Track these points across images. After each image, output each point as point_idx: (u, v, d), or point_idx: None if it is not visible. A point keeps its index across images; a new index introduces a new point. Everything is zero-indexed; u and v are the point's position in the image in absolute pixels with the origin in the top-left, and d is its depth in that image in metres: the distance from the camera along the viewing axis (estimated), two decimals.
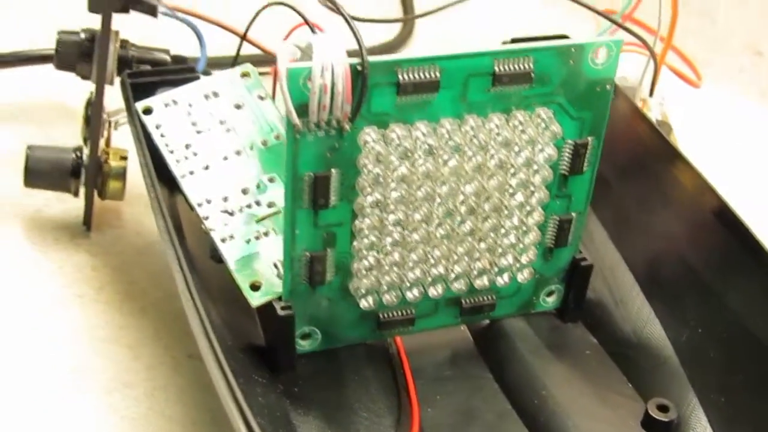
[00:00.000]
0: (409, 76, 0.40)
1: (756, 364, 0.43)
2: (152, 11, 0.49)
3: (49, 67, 0.55)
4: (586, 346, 0.48)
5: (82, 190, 0.52)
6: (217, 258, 0.45)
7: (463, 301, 0.46)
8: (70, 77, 0.54)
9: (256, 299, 0.43)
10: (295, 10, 0.46)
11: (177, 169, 0.45)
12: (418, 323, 0.46)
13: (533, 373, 0.46)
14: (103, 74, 0.47)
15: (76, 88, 0.54)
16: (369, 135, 0.40)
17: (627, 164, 0.51)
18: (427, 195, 0.42)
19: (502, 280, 0.45)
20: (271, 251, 0.44)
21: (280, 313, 0.43)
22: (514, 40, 0.49)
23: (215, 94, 0.47)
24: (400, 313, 0.45)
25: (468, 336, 0.49)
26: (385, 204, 0.41)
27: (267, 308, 0.44)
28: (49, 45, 0.54)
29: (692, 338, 0.46)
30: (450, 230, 0.43)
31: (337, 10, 0.39)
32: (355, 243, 0.43)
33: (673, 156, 0.49)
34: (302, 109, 0.39)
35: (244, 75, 0.48)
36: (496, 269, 0.45)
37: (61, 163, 0.51)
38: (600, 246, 0.50)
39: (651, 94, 0.55)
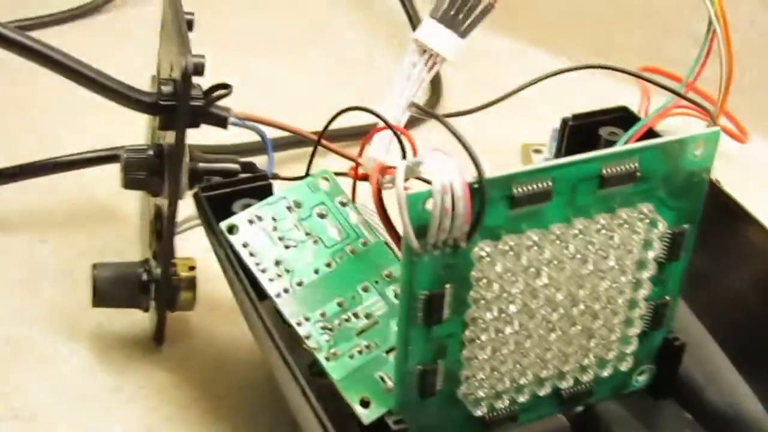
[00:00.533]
0: (522, 189, 0.39)
1: None
2: (223, 123, 0.48)
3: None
4: (683, 423, 0.48)
5: (152, 305, 0.51)
6: (316, 372, 0.44)
7: (563, 392, 0.45)
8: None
9: (367, 416, 0.43)
10: (377, 115, 0.45)
11: (271, 288, 0.45)
12: (520, 417, 0.45)
13: None
14: (176, 192, 0.46)
15: (123, 193, 0.52)
16: (483, 250, 0.40)
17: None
18: (545, 302, 0.41)
19: (606, 372, 0.45)
20: (374, 364, 0.44)
21: (394, 427, 0.42)
22: (575, 117, 0.50)
23: (298, 205, 0.46)
24: (505, 412, 0.44)
25: (564, 422, 0.48)
26: (500, 314, 0.41)
27: (378, 423, 0.43)
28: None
29: None
30: (562, 333, 0.43)
31: (455, 134, 0.38)
32: (464, 352, 0.42)
33: (740, 214, 0.49)
34: (420, 231, 0.38)
35: (324, 179, 0.47)
36: (591, 360, 0.45)
37: (130, 280, 0.50)
38: (683, 320, 0.50)
39: None
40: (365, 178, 0.47)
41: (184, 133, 0.46)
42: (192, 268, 0.51)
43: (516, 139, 0.71)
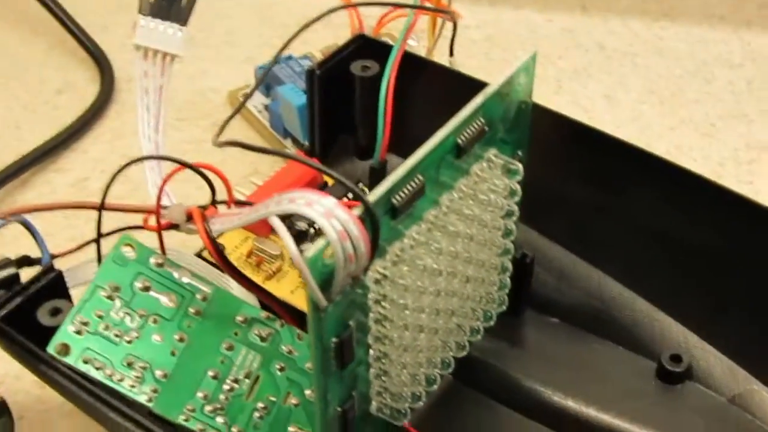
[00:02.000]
0: (401, 196, 0.36)
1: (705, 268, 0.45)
2: None
3: None
4: (548, 327, 0.48)
5: None
6: None
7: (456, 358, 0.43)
8: None
9: None
10: (179, 162, 0.39)
11: (139, 396, 0.38)
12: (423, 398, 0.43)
13: (528, 374, 0.46)
14: None
15: None
16: (377, 272, 0.36)
17: None
18: (444, 292, 0.39)
19: (486, 324, 0.44)
20: (280, 422, 0.40)
21: None
22: (320, 65, 0.46)
23: (115, 288, 0.40)
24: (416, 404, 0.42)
25: (451, 379, 0.47)
26: (402, 322, 0.38)
27: None
28: None
29: (644, 273, 0.47)
30: (461, 310, 0.40)
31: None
32: (372, 371, 0.39)
33: None
34: (324, 286, 0.34)
35: (127, 246, 0.41)
36: (481, 319, 0.43)
37: None
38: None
39: (451, 54, 0.54)
40: (171, 226, 0.41)
41: None
42: None
43: (222, 88, 0.66)
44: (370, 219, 0.34)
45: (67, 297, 0.42)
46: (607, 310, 0.47)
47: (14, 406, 0.45)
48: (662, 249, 0.46)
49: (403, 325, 0.37)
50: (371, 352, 0.38)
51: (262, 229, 0.48)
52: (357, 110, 0.51)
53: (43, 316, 0.40)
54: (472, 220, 0.39)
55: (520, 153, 0.42)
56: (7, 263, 0.42)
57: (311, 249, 0.32)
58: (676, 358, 0.45)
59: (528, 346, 0.47)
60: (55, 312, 0.40)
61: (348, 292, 0.35)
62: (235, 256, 0.48)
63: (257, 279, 0.47)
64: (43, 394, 0.46)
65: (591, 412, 0.44)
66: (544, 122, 0.45)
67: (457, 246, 0.38)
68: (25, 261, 0.42)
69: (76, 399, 0.39)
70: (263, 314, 0.41)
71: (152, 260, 0.41)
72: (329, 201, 0.33)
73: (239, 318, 0.41)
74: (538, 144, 0.45)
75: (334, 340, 0.36)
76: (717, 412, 0.44)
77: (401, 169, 0.36)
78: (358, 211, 0.33)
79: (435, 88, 0.50)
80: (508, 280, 0.44)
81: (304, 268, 0.32)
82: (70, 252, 0.43)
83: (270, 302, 0.42)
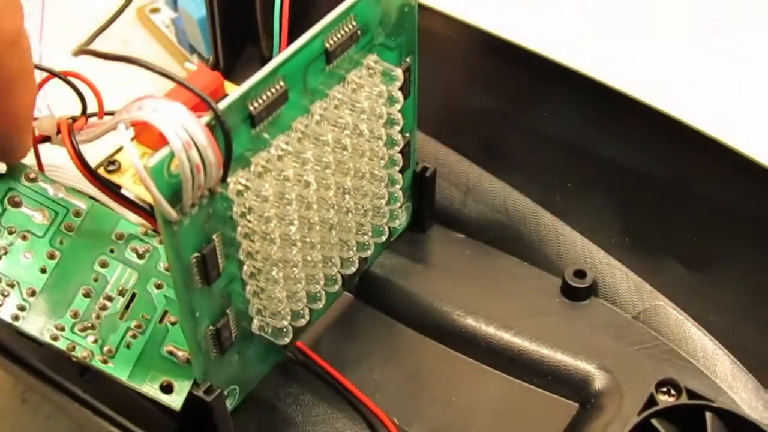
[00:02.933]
0: (259, 103, 0.34)
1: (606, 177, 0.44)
2: None
3: None
4: (461, 245, 0.47)
5: None
6: (91, 378, 0.39)
7: (347, 276, 0.42)
8: None
9: (176, 401, 0.37)
10: (46, 70, 0.38)
11: (4, 314, 0.37)
12: (313, 317, 0.42)
13: (428, 292, 0.45)
14: None
15: None
16: (239, 183, 0.35)
17: None
18: (317, 205, 0.37)
19: (384, 237, 0.42)
20: (155, 342, 0.38)
21: (208, 399, 0.37)
22: None
23: None
24: (302, 323, 0.41)
25: (351, 297, 0.45)
26: (267, 235, 0.36)
27: (188, 400, 0.38)
28: None
29: (555, 187, 0.45)
30: (341, 225, 0.39)
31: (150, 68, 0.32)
32: (248, 288, 0.38)
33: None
34: (174, 199, 0.32)
35: None
36: (369, 234, 0.41)
37: None
38: (421, 146, 0.47)
39: None
40: (44, 139, 0.39)
41: None
42: None
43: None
44: (220, 126, 0.32)
45: None
46: (512, 224, 0.46)
47: None
48: (569, 162, 0.44)
49: (270, 240, 0.36)
50: (244, 268, 0.37)
51: (158, 143, 0.47)
52: (258, 18, 0.49)
53: None
54: (346, 129, 0.37)
55: (408, 60, 0.40)
56: None
57: (153, 158, 0.31)
58: (581, 274, 0.44)
59: (432, 262, 0.46)
60: None
61: (206, 205, 0.34)
62: (130, 173, 0.46)
63: None
64: None
65: (491, 329, 0.43)
66: (441, 28, 0.44)
67: (329, 156, 0.37)
68: None
69: None
70: (141, 230, 0.39)
71: (24, 174, 0.39)
72: (176, 107, 0.31)
73: (116, 234, 0.39)
74: (441, 52, 0.43)
75: (195, 255, 0.34)
76: (621, 329, 0.43)
77: (258, 74, 0.34)
78: (206, 118, 0.32)
79: None
80: (400, 193, 0.42)
81: (146, 178, 0.31)
82: None
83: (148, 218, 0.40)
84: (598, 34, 0.60)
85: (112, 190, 0.38)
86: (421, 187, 0.44)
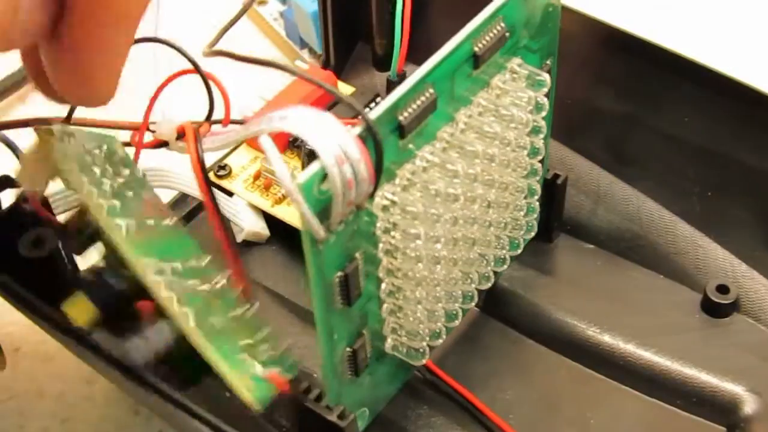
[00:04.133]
0: (409, 113, 0.32)
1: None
2: None
3: None
4: (591, 256, 0.44)
5: None
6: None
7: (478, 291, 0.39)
8: None
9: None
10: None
11: None
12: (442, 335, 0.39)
13: (560, 306, 0.42)
14: None
15: None
16: (385, 198, 0.32)
17: None
18: (462, 219, 0.35)
19: (513, 252, 0.40)
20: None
21: (343, 424, 0.35)
22: None
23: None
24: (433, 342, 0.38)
25: (478, 312, 0.43)
26: (412, 252, 0.34)
27: (323, 424, 0.36)
28: None
29: (687, 195, 0.43)
30: (482, 238, 0.37)
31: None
32: (384, 307, 0.35)
33: None
34: (322, 216, 0.30)
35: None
36: (507, 247, 0.39)
37: None
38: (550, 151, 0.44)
39: None
40: (160, 144, 0.37)
41: None
42: None
43: None
44: (372, 139, 0.30)
45: (53, 223, 0.39)
46: (646, 235, 0.43)
47: (7, 338, 0.42)
48: (708, 168, 0.42)
49: (416, 257, 0.33)
50: (383, 286, 0.35)
51: (280, 147, 0.44)
52: (373, 15, 0.46)
53: (24, 247, 0.37)
54: (494, 138, 0.35)
55: (548, 62, 0.38)
56: None
57: (304, 174, 0.29)
58: (723, 289, 0.41)
59: (560, 274, 0.43)
60: (38, 243, 0.37)
61: (351, 221, 0.31)
62: (242, 178, 0.44)
63: (266, 203, 0.44)
64: None
65: (629, 348, 0.40)
66: (574, 27, 0.41)
67: (477, 167, 0.34)
68: (6, 182, 0.39)
69: (64, 342, 0.36)
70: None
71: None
72: (326, 119, 0.29)
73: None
74: (568, 52, 0.40)
75: (338, 274, 0.32)
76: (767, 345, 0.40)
77: (408, 81, 0.31)
78: (358, 130, 0.29)
79: None
80: (537, 204, 0.39)
81: (296, 196, 0.29)
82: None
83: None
84: (736, 30, 0.57)
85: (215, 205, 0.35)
86: (551, 195, 0.42)
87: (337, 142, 0.29)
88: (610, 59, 0.43)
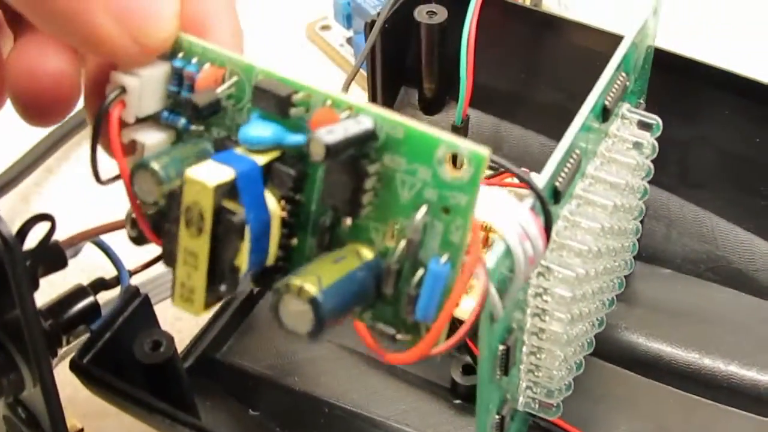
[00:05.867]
0: (563, 177, 0.31)
1: None
2: (63, 263, 0.34)
3: None
4: (670, 281, 0.45)
5: None
6: None
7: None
8: None
9: None
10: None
11: None
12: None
13: (654, 335, 0.43)
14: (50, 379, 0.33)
15: None
16: (539, 265, 0.32)
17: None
18: (593, 275, 0.35)
19: (617, 293, 0.40)
20: None
21: None
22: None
23: None
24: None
25: None
26: (565, 314, 0.34)
27: None
28: None
29: (760, 210, 0.43)
30: (599, 293, 0.37)
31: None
32: (523, 365, 0.35)
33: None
34: (500, 293, 0.29)
35: None
36: (617, 287, 0.39)
37: None
38: None
39: None
40: None
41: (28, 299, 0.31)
42: None
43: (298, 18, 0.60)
44: (543, 210, 0.29)
45: (153, 319, 0.37)
46: (724, 255, 0.44)
47: None
48: None
49: (565, 318, 0.33)
50: (524, 348, 0.34)
51: None
52: (422, 61, 0.46)
53: (142, 353, 0.35)
54: (616, 187, 0.35)
55: (642, 101, 0.38)
56: (81, 291, 0.36)
57: (491, 259, 0.28)
58: None
59: (644, 302, 0.44)
60: (156, 346, 0.35)
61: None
62: None
63: None
64: None
65: (732, 368, 0.41)
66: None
67: (606, 220, 0.34)
68: (101, 285, 0.37)
69: None
70: None
71: None
72: (503, 196, 0.28)
73: None
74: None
75: (501, 347, 0.32)
76: None
77: (561, 148, 0.31)
78: (530, 203, 0.29)
79: (510, 31, 0.45)
80: (636, 240, 0.40)
81: (490, 288, 0.28)
82: (148, 266, 0.37)
83: None
84: None
85: None
86: None
87: (518, 220, 0.28)
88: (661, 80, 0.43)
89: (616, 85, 0.33)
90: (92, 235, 0.35)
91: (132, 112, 0.28)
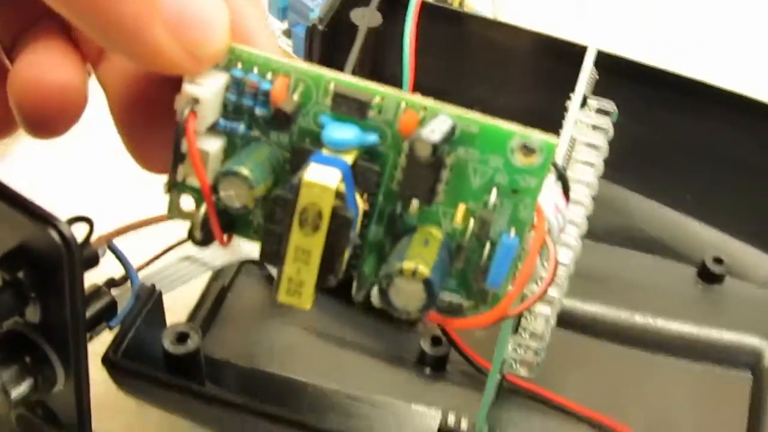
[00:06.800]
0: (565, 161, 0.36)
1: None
2: (95, 262, 0.36)
3: None
4: (589, 251, 0.49)
5: None
6: None
7: None
8: None
9: None
10: None
11: None
12: None
13: (588, 300, 0.47)
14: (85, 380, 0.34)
15: None
16: None
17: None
18: None
19: None
20: None
21: None
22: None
23: None
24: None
25: None
26: None
27: None
28: None
29: (667, 183, 0.50)
30: None
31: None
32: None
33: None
34: None
35: None
36: None
37: None
38: None
39: None
40: None
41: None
42: None
43: None
44: (564, 187, 0.33)
45: (163, 314, 0.40)
46: (638, 225, 0.49)
47: None
48: (686, 158, 0.48)
49: (562, 284, 0.38)
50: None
51: None
52: (357, 63, 0.49)
53: (171, 345, 0.37)
54: (591, 165, 0.39)
55: None
56: (100, 291, 0.38)
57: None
58: (717, 260, 0.48)
59: (576, 271, 0.48)
60: (183, 338, 0.37)
61: None
62: None
63: None
64: None
65: (660, 323, 0.46)
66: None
67: (586, 195, 0.39)
68: (111, 283, 0.39)
69: (234, 424, 0.37)
70: None
71: None
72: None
73: None
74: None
75: None
76: (761, 299, 0.48)
77: (566, 131, 0.35)
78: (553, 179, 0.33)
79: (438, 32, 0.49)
80: None
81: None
82: (153, 261, 0.40)
83: None
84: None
85: None
86: None
87: (552, 197, 0.32)
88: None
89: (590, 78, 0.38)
90: (119, 234, 0.37)
91: (203, 123, 0.30)
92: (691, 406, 0.45)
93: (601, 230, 0.50)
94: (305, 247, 0.29)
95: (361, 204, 0.30)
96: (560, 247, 0.37)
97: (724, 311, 0.47)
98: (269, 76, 0.31)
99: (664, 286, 0.48)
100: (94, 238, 0.36)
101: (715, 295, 0.48)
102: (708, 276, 0.48)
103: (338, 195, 0.28)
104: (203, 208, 0.31)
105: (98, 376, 0.36)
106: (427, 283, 0.28)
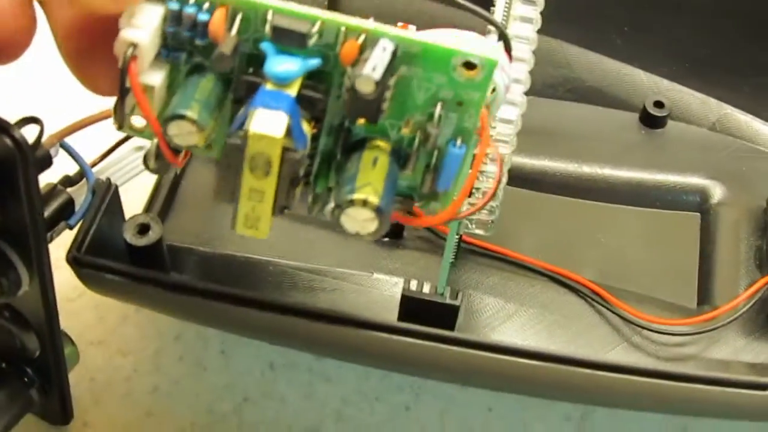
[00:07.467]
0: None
1: None
2: (49, 163, 0.36)
3: None
4: (532, 105, 0.50)
5: None
6: None
7: None
8: None
9: None
10: None
11: None
12: None
13: (540, 155, 0.48)
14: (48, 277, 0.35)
15: None
16: None
17: None
18: None
19: None
20: None
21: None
22: None
23: None
24: None
25: None
26: None
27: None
28: None
29: (605, 33, 0.50)
30: None
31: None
32: None
33: None
34: None
35: None
36: None
37: None
38: None
39: None
40: None
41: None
42: None
43: None
44: (505, 44, 0.34)
45: (121, 208, 0.40)
46: (577, 76, 0.50)
47: None
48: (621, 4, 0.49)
49: (510, 142, 0.38)
50: None
51: None
52: None
53: (133, 237, 0.37)
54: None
55: None
56: (56, 189, 0.38)
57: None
58: (658, 104, 0.49)
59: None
60: (144, 229, 0.38)
61: None
62: None
63: None
64: None
65: (606, 171, 0.47)
66: None
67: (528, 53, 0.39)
68: (68, 182, 0.39)
69: (201, 310, 0.38)
70: None
71: None
72: (481, 39, 0.33)
73: None
74: None
75: None
76: (706, 141, 0.49)
77: None
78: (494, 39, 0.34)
79: None
80: None
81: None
82: (106, 155, 0.40)
83: None
84: None
85: None
86: None
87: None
88: None
89: None
90: (70, 133, 0.37)
91: (145, 62, 0.30)
92: (644, 249, 0.46)
93: (542, 84, 0.50)
94: (258, 188, 0.29)
95: (309, 130, 0.30)
96: (506, 105, 0.37)
97: (669, 154, 0.48)
98: (206, 5, 0.30)
99: (608, 134, 0.49)
100: (45, 138, 0.36)
101: (658, 139, 0.49)
102: (650, 120, 0.49)
103: (286, 143, 0.28)
104: (155, 141, 0.31)
105: (62, 276, 0.37)
106: (378, 211, 0.29)
